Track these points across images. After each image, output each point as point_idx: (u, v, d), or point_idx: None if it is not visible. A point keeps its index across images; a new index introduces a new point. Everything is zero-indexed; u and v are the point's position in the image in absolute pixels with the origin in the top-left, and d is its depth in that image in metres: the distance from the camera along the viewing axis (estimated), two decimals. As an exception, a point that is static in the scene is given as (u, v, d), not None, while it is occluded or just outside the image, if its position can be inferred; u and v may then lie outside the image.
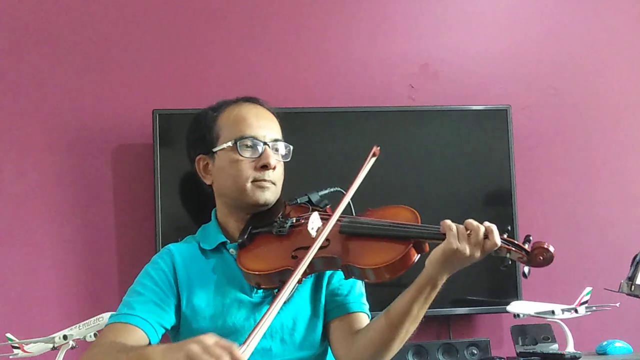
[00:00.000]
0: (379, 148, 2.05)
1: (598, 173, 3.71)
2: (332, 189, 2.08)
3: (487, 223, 1.77)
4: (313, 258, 1.82)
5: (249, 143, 2.01)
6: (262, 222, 2.01)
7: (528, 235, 1.81)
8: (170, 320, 1.95)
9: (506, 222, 1.86)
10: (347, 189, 1.97)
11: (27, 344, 2.84)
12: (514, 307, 3.20)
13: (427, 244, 1.85)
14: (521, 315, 3.21)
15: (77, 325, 2.81)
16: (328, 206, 2.04)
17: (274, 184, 2.02)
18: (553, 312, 3.22)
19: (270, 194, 2.01)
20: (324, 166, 3.35)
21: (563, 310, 3.23)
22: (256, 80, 3.47)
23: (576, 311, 3.25)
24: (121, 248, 3.34)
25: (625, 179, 3.72)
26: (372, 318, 1.99)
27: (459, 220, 1.80)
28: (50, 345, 2.82)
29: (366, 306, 2.05)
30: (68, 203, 3.33)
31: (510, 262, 1.80)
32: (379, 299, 2.04)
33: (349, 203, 1.97)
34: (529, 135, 3.64)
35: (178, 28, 3.49)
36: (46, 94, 3.36)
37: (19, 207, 3.30)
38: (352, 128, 3.43)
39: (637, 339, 3.42)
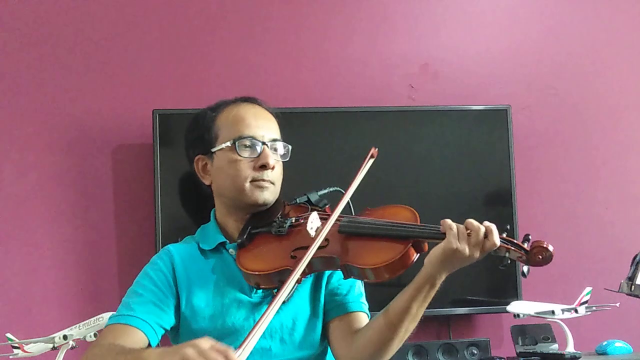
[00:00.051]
0: (377, 150, 2.05)
1: (598, 173, 3.71)
2: (331, 189, 2.08)
3: (486, 223, 1.78)
4: (312, 258, 1.83)
5: (248, 143, 2.01)
6: (261, 222, 2.01)
7: (527, 235, 1.81)
8: (169, 320, 1.95)
9: (506, 222, 1.85)
10: (346, 190, 1.97)
11: (27, 344, 2.84)
12: (514, 307, 3.20)
13: (426, 244, 1.85)
14: (521, 315, 3.21)
15: (77, 325, 2.81)
16: (327, 206, 2.04)
17: (272, 183, 2.02)
18: (553, 312, 3.22)
19: (269, 193, 2.01)
20: (324, 166, 3.34)
21: (563, 310, 3.23)
22: (256, 80, 3.47)
23: (576, 311, 3.25)
24: (121, 248, 3.34)
25: (625, 179, 3.72)
26: (371, 317, 1.99)
27: (459, 220, 1.80)
28: (50, 345, 2.82)
29: (365, 306, 2.05)
30: (68, 203, 3.33)
31: (509, 262, 1.80)
32: (378, 299, 2.04)
33: (348, 203, 1.97)
34: (529, 135, 3.64)
35: (178, 28, 3.49)
36: (46, 94, 3.36)
37: (19, 207, 3.30)
38: (352, 128, 3.43)
39: (637, 339, 3.41)
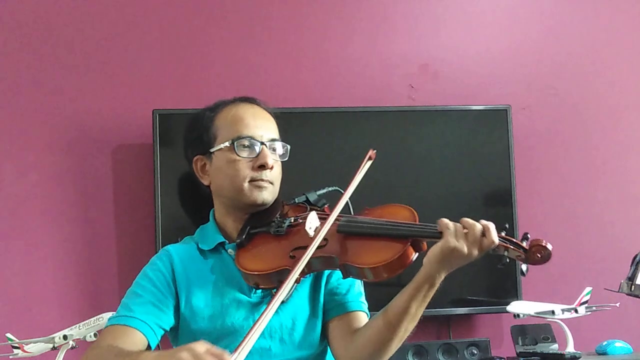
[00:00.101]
0: (374, 152, 2.05)
1: (598, 173, 3.71)
2: (330, 189, 2.08)
3: (483, 221, 1.77)
4: (311, 258, 1.82)
5: (246, 143, 2.01)
6: (260, 222, 2.01)
7: (526, 233, 1.81)
8: (169, 321, 1.95)
9: (506, 222, 1.85)
10: (344, 191, 1.97)
11: (27, 344, 2.84)
12: (514, 307, 3.20)
13: (425, 243, 1.84)
14: (521, 315, 3.21)
15: (77, 325, 2.82)
16: (326, 205, 2.04)
17: (271, 183, 2.01)
18: (553, 312, 3.22)
19: (268, 193, 2.01)
20: (324, 166, 3.35)
21: (563, 310, 3.23)
22: (256, 80, 3.47)
23: (576, 311, 3.25)
24: (121, 248, 3.34)
25: (625, 179, 3.72)
26: (371, 317, 1.99)
27: (458, 220, 1.80)
28: (50, 345, 2.83)
29: (365, 305, 2.04)
30: (68, 203, 3.33)
31: (508, 260, 1.80)
32: (378, 299, 2.04)
33: (347, 202, 1.96)
34: (529, 135, 3.64)
35: (178, 28, 3.49)
36: (46, 94, 3.37)
37: (19, 207, 3.30)
38: (352, 128, 3.43)
39: (637, 339, 3.41)
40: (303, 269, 1.82)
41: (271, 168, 2.00)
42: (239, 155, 1.99)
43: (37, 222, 3.31)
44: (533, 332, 3.33)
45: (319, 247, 1.84)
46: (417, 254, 1.83)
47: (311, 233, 1.88)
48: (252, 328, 1.65)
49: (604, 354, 3.29)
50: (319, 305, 2.01)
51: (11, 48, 3.37)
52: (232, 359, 1.53)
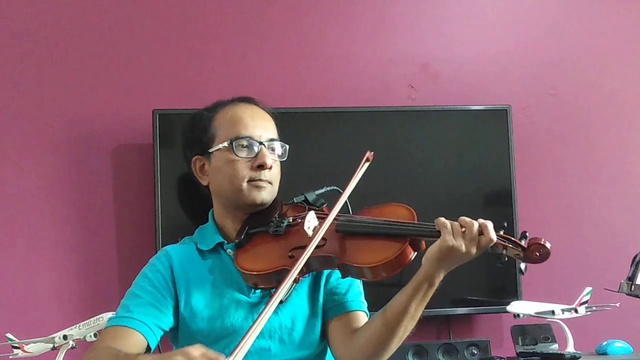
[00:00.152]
0: (372, 153, 2.05)
1: (598, 173, 3.71)
2: (328, 188, 2.08)
3: (481, 219, 1.77)
4: (309, 257, 1.82)
5: (245, 143, 2.01)
6: (259, 222, 2.01)
7: (524, 232, 1.81)
8: (168, 322, 1.95)
9: (505, 222, 1.85)
10: (342, 191, 1.97)
11: (27, 344, 2.84)
12: (514, 307, 3.20)
13: (423, 242, 1.84)
14: (521, 315, 3.21)
15: (77, 325, 2.82)
16: (324, 205, 2.04)
17: (270, 183, 2.01)
18: (553, 312, 3.22)
19: (267, 193, 2.01)
20: (324, 166, 3.34)
21: (563, 310, 3.23)
22: (256, 80, 3.47)
23: (576, 311, 3.25)
24: (121, 248, 3.34)
25: (625, 178, 3.72)
26: (370, 317, 1.99)
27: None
28: (50, 345, 2.82)
29: (364, 305, 2.04)
30: (68, 203, 3.33)
31: (506, 259, 1.80)
32: (377, 298, 2.04)
33: (346, 202, 1.96)
34: (529, 135, 3.64)
35: (178, 28, 3.49)
36: (46, 94, 3.37)
37: (19, 207, 3.30)
38: (352, 128, 3.43)
39: (637, 339, 3.41)
40: (302, 269, 1.82)
41: (270, 168, 2.00)
42: (237, 156, 1.99)
43: (37, 222, 3.31)
44: (533, 332, 3.33)
45: (317, 247, 1.85)
46: (415, 253, 1.84)
47: (310, 233, 1.88)
48: (249, 329, 1.65)
49: (604, 354, 3.29)
50: (318, 305, 2.01)
51: (11, 48, 3.37)
52: None
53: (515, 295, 3.38)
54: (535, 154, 3.65)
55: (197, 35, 3.50)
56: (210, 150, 2.03)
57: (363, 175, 2.01)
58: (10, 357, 2.84)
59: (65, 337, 2.81)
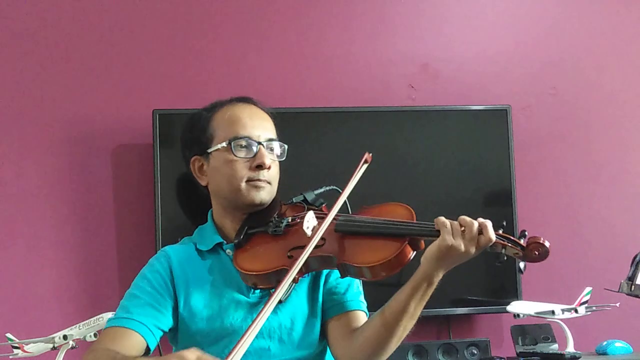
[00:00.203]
0: (370, 155, 2.05)
1: (598, 173, 3.71)
2: (327, 188, 2.08)
3: (481, 219, 1.77)
4: (308, 257, 1.82)
5: (244, 143, 2.01)
6: (258, 222, 2.01)
7: (523, 231, 1.81)
8: (167, 322, 1.95)
9: (504, 220, 1.85)
10: (341, 192, 1.97)
11: (27, 344, 2.84)
12: (514, 307, 3.20)
13: (422, 241, 1.84)
14: (521, 315, 3.21)
15: (77, 325, 2.82)
16: (324, 205, 2.04)
17: (269, 183, 2.01)
18: (553, 312, 3.22)
19: (266, 193, 2.01)
20: (324, 166, 3.34)
21: (563, 310, 3.23)
22: (256, 80, 3.48)
23: (576, 311, 3.25)
24: (121, 248, 3.34)
25: (625, 178, 3.72)
26: (370, 316, 1.99)
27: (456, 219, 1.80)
28: (50, 345, 2.82)
29: (364, 304, 2.04)
30: (68, 203, 3.33)
31: (505, 258, 1.80)
32: (376, 298, 2.04)
33: (345, 202, 1.96)
34: (529, 135, 3.64)
35: (178, 28, 3.49)
36: (46, 94, 3.37)
37: (19, 207, 3.31)
38: (352, 128, 3.43)
39: (637, 339, 3.41)
40: (301, 269, 1.82)
41: (268, 168, 2.00)
42: (236, 156, 1.99)
43: (37, 222, 3.31)
44: (533, 332, 3.33)
45: (316, 247, 1.85)
46: (414, 252, 1.84)
47: (309, 233, 1.88)
48: (248, 329, 1.65)
49: (604, 354, 3.29)
50: (317, 304, 2.01)
51: (11, 48, 3.37)
52: None
53: (515, 295, 3.38)
54: (535, 154, 3.65)
55: (197, 35, 3.50)
56: (209, 151, 2.03)
57: (362, 175, 2.01)
58: (10, 357, 2.84)
59: (65, 337, 2.81)
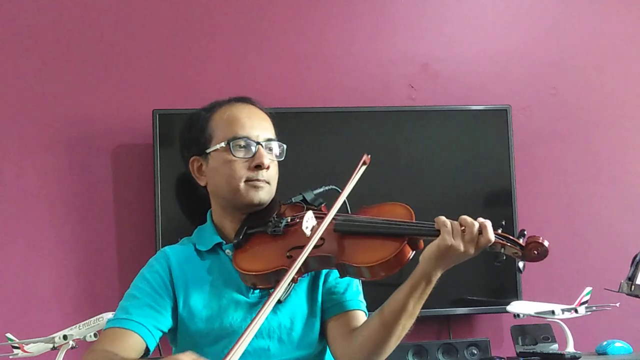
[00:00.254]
0: (369, 156, 2.04)
1: (598, 173, 3.71)
2: (327, 187, 2.08)
3: (481, 219, 1.78)
4: (307, 257, 1.82)
5: (242, 143, 2.00)
6: (257, 222, 2.00)
7: (522, 230, 1.81)
8: (167, 323, 1.95)
9: (504, 220, 1.85)
10: (340, 193, 1.97)
11: (27, 344, 2.85)
12: (514, 307, 3.20)
13: (421, 241, 1.85)
14: (521, 315, 3.21)
15: (77, 325, 2.82)
16: (323, 204, 2.04)
17: (268, 183, 2.01)
18: (553, 312, 3.22)
19: (265, 193, 2.00)
20: (324, 166, 3.34)
21: (563, 310, 3.23)
22: (256, 80, 3.48)
23: (576, 311, 3.25)
24: (121, 248, 3.34)
25: (625, 179, 3.72)
26: (369, 316, 1.99)
27: (457, 219, 1.80)
28: (50, 345, 2.83)
29: (363, 304, 2.04)
30: (68, 203, 3.33)
31: (505, 258, 1.80)
32: (376, 298, 2.04)
33: (344, 202, 1.96)
34: (529, 135, 3.64)
35: (178, 28, 3.49)
36: (46, 94, 3.37)
37: (19, 207, 3.31)
38: (352, 128, 3.43)
39: (637, 339, 3.41)
40: (300, 269, 1.82)
41: (267, 168, 2.00)
42: (234, 156, 1.99)
43: (37, 222, 3.31)
44: (533, 332, 3.33)
45: (315, 247, 1.84)
46: (414, 252, 1.84)
47: (308, 232, 1.88)
48: (246, 329, 1.65)
49: (604, 354, 3.29)
50: (317, 304, 2.01)
51: (11, 48, 3.37)
52: None
53: (515, 295, 3.38)
54: (535, 154, 3.65)
55: (197, 35, 3.50)
56: (208, 151, 2.03)
57: (362, 175, 2.01)
58: (10, 357, 2.85)
59: (65, 337, 2.81)
